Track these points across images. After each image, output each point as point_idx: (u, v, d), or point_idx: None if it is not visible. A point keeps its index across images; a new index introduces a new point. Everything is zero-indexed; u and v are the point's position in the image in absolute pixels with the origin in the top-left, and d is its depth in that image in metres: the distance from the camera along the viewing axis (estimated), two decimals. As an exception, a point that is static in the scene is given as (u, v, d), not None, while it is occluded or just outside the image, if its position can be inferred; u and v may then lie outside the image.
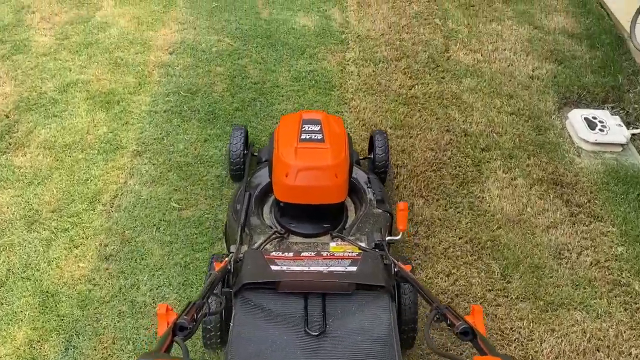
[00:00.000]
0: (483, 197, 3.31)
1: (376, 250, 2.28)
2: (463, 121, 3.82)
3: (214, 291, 1.80)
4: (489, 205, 3.27)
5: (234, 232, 2.48)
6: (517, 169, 3.50)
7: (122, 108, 3.68)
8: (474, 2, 4.99)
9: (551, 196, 3.36)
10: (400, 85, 4.07)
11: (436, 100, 3.97)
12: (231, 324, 1.84)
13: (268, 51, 4.26)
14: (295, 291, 1.91)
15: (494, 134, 3.74)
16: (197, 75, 3.99)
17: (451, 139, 3.68)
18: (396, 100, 3.93)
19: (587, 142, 3.70)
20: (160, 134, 3.52)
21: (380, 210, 2.63)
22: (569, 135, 3.81)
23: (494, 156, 3.58)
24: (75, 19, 4.45)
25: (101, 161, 3.32)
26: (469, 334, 1.52)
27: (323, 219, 2.53)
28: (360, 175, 2.83)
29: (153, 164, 3.32)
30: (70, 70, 3.95)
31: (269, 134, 3.37)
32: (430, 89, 4.06)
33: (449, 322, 1.60)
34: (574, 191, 3.40)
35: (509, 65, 4.33)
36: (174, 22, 4.50)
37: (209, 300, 1.68)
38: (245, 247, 2.32)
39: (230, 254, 2.20)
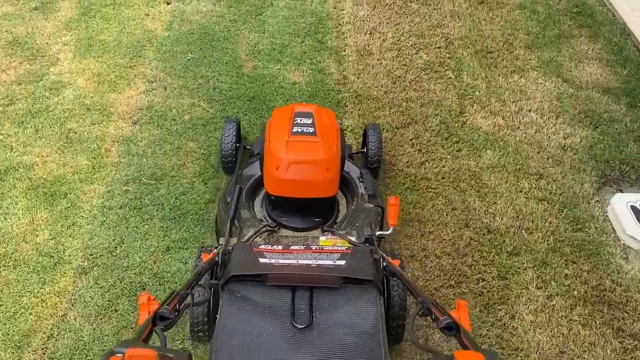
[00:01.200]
0: (514, 327, 2.65)
1: (366, 244, 2.27)
2: (485, 212, 3.15)
3: (200, 282, 1.79)
4: (521, 340, 2.60)
5: (224, 225, 2.43)
6: (553, 283, 2.84)
7: (70, 203, 3.02)
8: (492, 48, 4.30)
9: (598, 322, 2.70)
10: (407, 162, 3.40)
11: (451, 182, 3.30)
12: (218, 316, 1.80)
13: (250, 118, 3.59)
14: (283, 284, 1.88)
15: (523, 231, 3.07)
16: (164, 154, 3.32)
17: (471, 239, 3.02)
18: (403, 185, 3.27)
19: (637, 240, 3.03)
20: (114, 240, 2.86)
21: (371, 205, 2.60)
22: (613, 230, 3.14)
23: (524, 263, 2.92)
24: (25, 76, 3.78)
25: (36, 283, 2.66)
26: (452, 328, 1.50)
27: (314, 212, 2.51)
28: (352, 169, 2.81)
29: (100, 287, 2.66)
30: (12, 150, 3.29)
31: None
32: (444, 166, 3.39)
33: (433, 316, 1.58)
34: (625, 314, 2.74)
35: (536, 132, 3.65)
36: (141, 79, 3.83)
37: (194, 292, 1.66)
38: (234, 240, 2.30)
39: (219, 246, 2.18)
